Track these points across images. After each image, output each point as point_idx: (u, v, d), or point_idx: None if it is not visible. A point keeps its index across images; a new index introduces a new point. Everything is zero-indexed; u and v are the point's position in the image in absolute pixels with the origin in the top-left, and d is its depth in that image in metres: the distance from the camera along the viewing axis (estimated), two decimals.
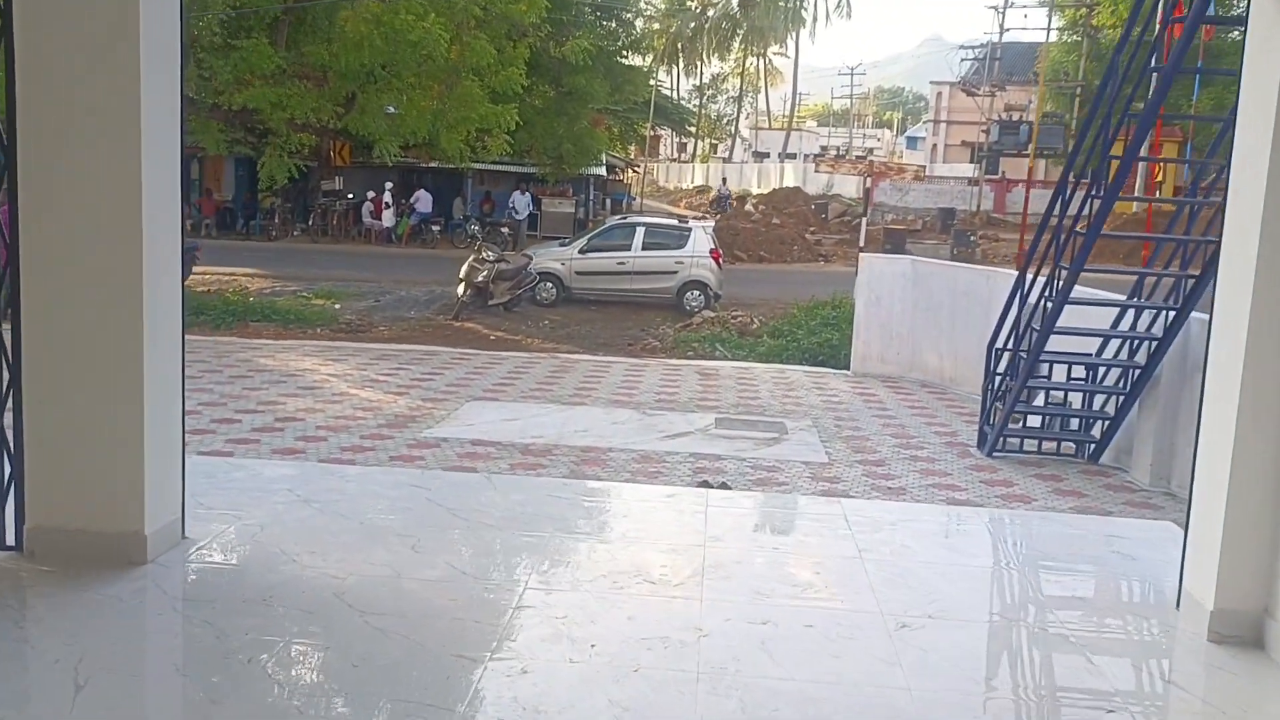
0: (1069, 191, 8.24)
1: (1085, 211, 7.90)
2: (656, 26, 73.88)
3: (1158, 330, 8.06)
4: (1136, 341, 8.30)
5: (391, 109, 18.19)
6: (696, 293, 20.36)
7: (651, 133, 60.49)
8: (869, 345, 13.37)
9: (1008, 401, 8.66)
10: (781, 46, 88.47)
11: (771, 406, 10.96)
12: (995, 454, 8.99)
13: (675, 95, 77.51)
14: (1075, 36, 43.49)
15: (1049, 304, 8.00)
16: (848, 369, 13.64)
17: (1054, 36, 46.33)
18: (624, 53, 36.18)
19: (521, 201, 31.87)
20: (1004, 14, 40.93)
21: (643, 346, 16.57)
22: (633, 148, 59.90)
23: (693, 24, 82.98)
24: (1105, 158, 7.52)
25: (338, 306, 18.96)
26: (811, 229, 38.22)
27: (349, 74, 15.93)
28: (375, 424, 9.27)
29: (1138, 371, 8.17)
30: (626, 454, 8.53)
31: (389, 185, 31.57)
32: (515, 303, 19.22)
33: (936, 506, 7.02)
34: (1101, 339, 8.63)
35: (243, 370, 11.63)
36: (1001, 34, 42.22)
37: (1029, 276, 8.62)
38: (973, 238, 29.57)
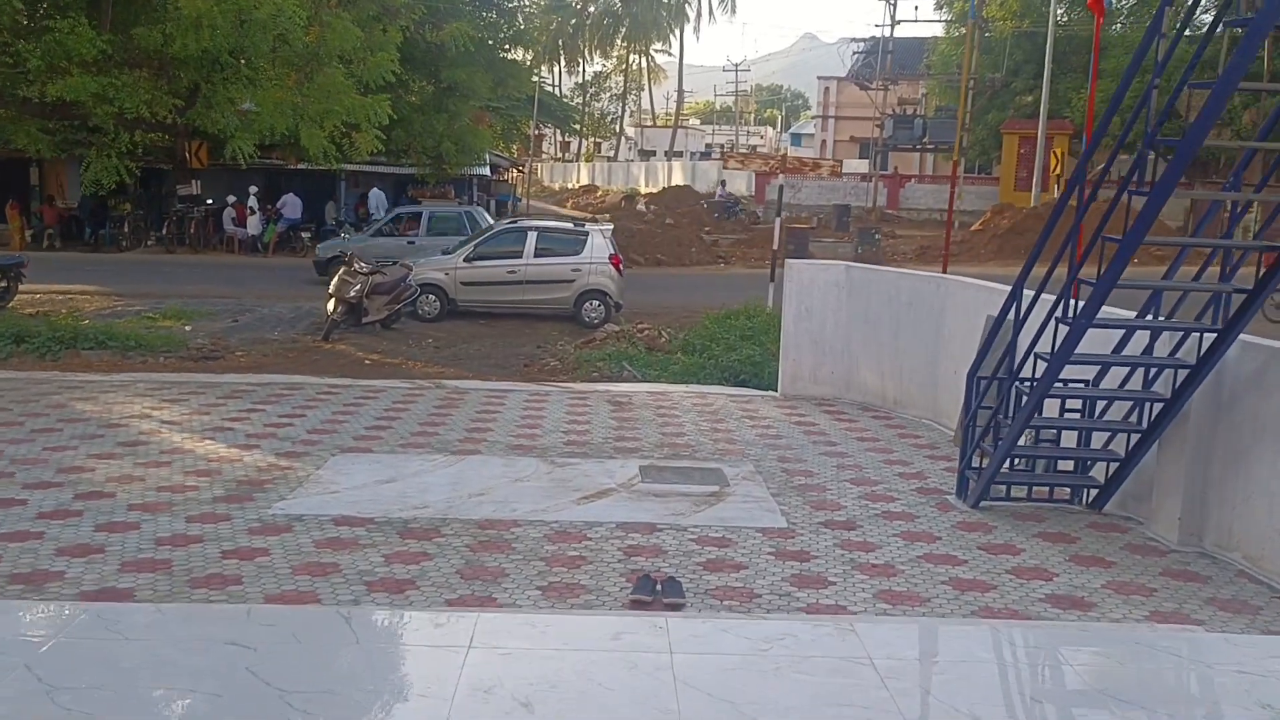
0: (1082, 191, 6.70)
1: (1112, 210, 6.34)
2: (537, 23, 71.84)
3: (1187, 354, 6.58)
4: (1153, 370, 6.82)
5: (250, 105, 16.02)
6: (596, 303, 18.58)
7: (536, 131, 58.46)
8: (799, 364, 11.79)
9: (1002, 444, 7.10)
10: (665, 44, 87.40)
11: (701, 446, 9.25)
12: (981, 505, 7.45)
13: (558, 92, 75.53)
14: (963, 29, 43.10)
15: (1062, 324, 6.43)
16: (775, 390, 12.04)
17: (941, 30, 46.02)
18: (506, 46, 34.10)
19: (377, 199, 29.37)
20: (895, 6, 40.19)
21: (540, 367, 14.70)
22: (516, 146, 57.83)
23: (574, 20, 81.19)
24: (1150, 140, 5.92)
25: (188, 328, 16.59)
26: (707, 229, 36.80)
27: (189, 61, 13.69)
28: (211, 496, 7.24)
29: (1159, 405, 6.68)
30: (537, 530, 6.70)
31: (254, 189, 28.95)
32: (393, 319, 17.14)
33: (974, 626, 5.30)
34: (1099, 366, 7.12)
35: (51, 420, 9.40)
36: (893, 27, 41.53)
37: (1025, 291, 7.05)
38: (877, 236, 28.48)
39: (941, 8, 44.38)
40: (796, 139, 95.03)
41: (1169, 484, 6.78)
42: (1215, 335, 6.21)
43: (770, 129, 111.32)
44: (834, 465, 8.64)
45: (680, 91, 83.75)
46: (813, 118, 77.11)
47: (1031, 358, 6.88)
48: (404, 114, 25.70)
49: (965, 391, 7.69)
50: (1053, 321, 6.55)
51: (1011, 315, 7.15)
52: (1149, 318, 6.94)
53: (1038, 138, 35.17)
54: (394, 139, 24.75)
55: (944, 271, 16.80)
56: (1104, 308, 6.90)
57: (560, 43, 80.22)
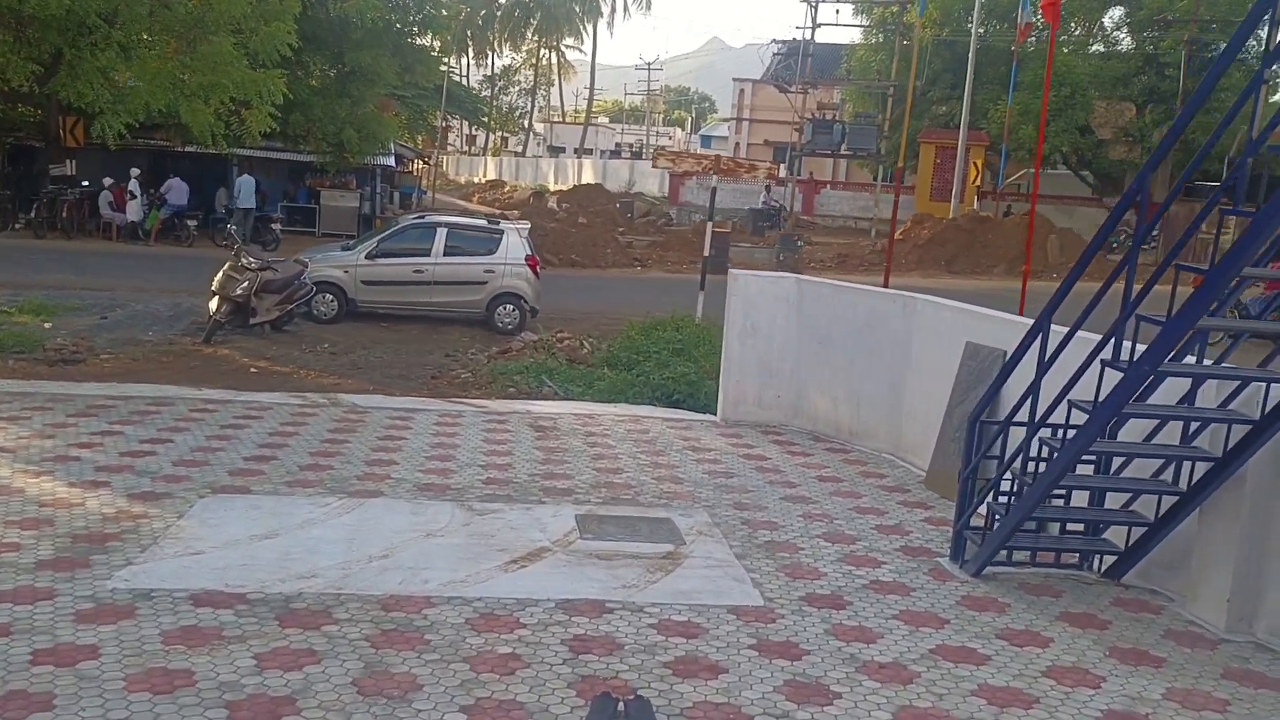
0: (1136, 204, 5.56)
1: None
2: (447, 11, 69.76)
3: (1245, 406, 5.51)
4: (1197, 425, 5.75)
5: (132, 81, 14.13)
6: (511, 307, 17.14)
7: (444, 122, 56.47)
8: (742, 386, 10.58)
9: (1017, 506, 5.96)
10: (577, 39, 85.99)
11: (644, 485, 7.96)
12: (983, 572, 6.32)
13: (467, 83, 73.48)
14: (882, 36, 42.66)
15: (1112, 369, 5.28)
16: (714, 414, 10.82)
17: (859, 36, 45.56)
18: (415, 31, 32.34)
19: (246, 186, 26.52)
20: (815, 8, 39.48)
21: (450, 380, 13.23)
22: (422, 137, 55.78)
23: (484, 11, 79.16)
24: (1254, 147, 4.77)
25: (48, 325, 14.65)
26: (620, 229, 35.53)
27: (50, 22, 11.87)
28: (34, 560, 5.68)
29: (1201, 464, 5.61)
30: (457, 612, 5.32)
31: (135, 172, 26.64)
32: (285, 321, 15.44)
33: None
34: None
35: None
36: (814, 30, 40.83)
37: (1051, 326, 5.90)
38: (800, 243, 27.57)
39: (860, 14, 43.86)
40: (706, 140, 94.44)
41: (1215, 558, 5.71)
42: None
43: (679, 130, 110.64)
44: (800, 515, 7.43)
45: (592, 88, 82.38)
46: (725, 120, 76.44)
47: (1063, 404, 5.73)
48: (303, 97, 23.89)
49: (966, 437, 6.53)
50: (1096, 364, 5.40)
51: (1032, 349, 5.98)
52: (1192, 360, 5.85)
53: (956, 148, 34.76)
54: (292, 123, 22.95)
55: (885, 284, 15.85)
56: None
57: (469, 33, 78.13)
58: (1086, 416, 5.51)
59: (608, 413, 10.78)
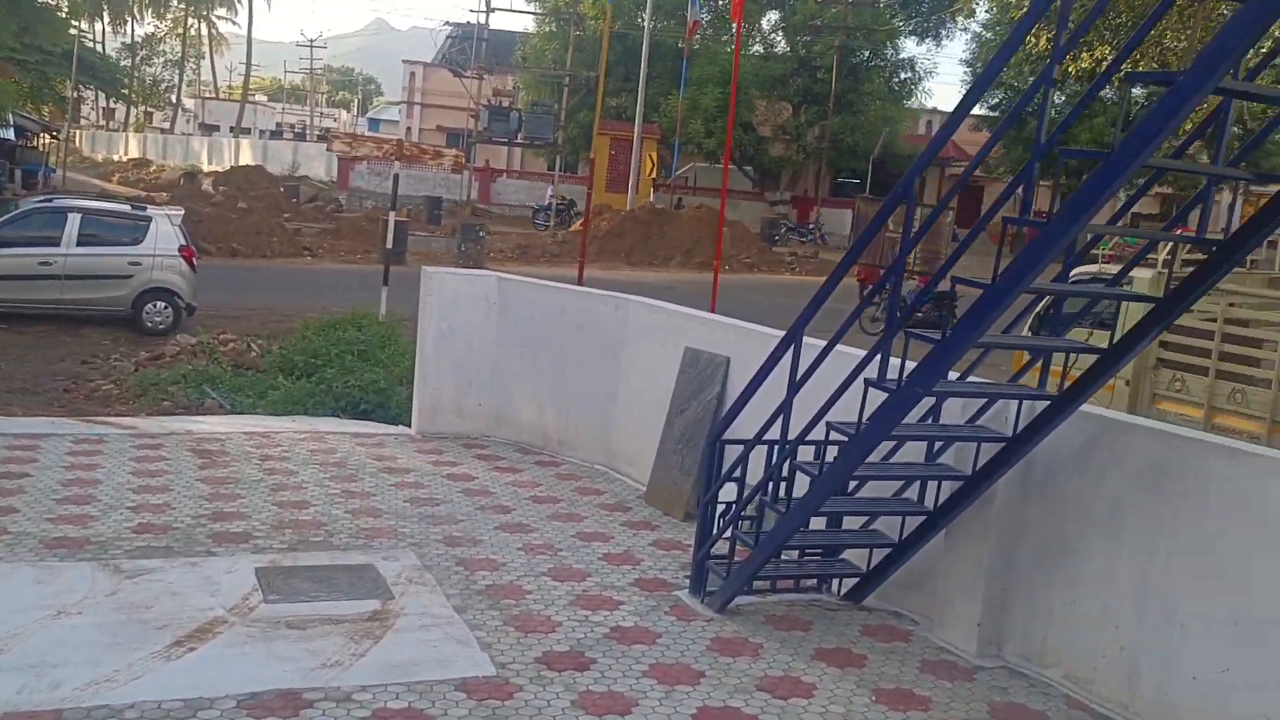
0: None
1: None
2: None
3: (994, 421, 5.27)
4: (940, 443, 5.48)
5: None
6: (162, 304, 15.13)
7: (75, 93, 50.54)
8: (440, 393, 9.61)
9: (769, 537, 5.45)
10: (230, 10, 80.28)
11: (337, 522, 6.85)
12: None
13: (103, 50, 66.40)
14: (555, 25, 42.51)
15: (876, 389, 4.82)
16: (409, 425, 9.79)
17: (533, 24, 45.22)
18: None
19: None
20: None
21: (89, 393, 11.30)
22: (49, 108, 49.69)
23: None
24: (1042, 150, 4.35)
25: None
26: (286, 215, 33.09)
27: None
28: None
29: (957, 485, 5.34)
30: None
31: None
32: None
33: None
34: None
35: None
36: (488, 14, 39.91)
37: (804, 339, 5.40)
38: (482, 233, 26.66)
39: (534, 1, 43.51)
40: (375, 124, 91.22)
41: (963, 581, 5.47)
42: (1049, 404, 4.91)
43: (345, 112, 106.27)
44: (520, 548, 6.61)
45: (249, 64, 77.08)
46: (395, 103, 73.90)
47: (822, 429, 5.25)
48: None
49: (705, 459, 5.97)
50: (860, 384, 4.95)
51: (783, 366, 5.48)
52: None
53: (632, 140, 35.13)
54: None
55: (580, 280, 15.33)
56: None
57: None
58: (842, 437, 5.07)
59: (286, 429, 9.46)
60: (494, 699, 4.59)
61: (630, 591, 6.02)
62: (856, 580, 6.03)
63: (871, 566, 5.93)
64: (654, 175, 35.65)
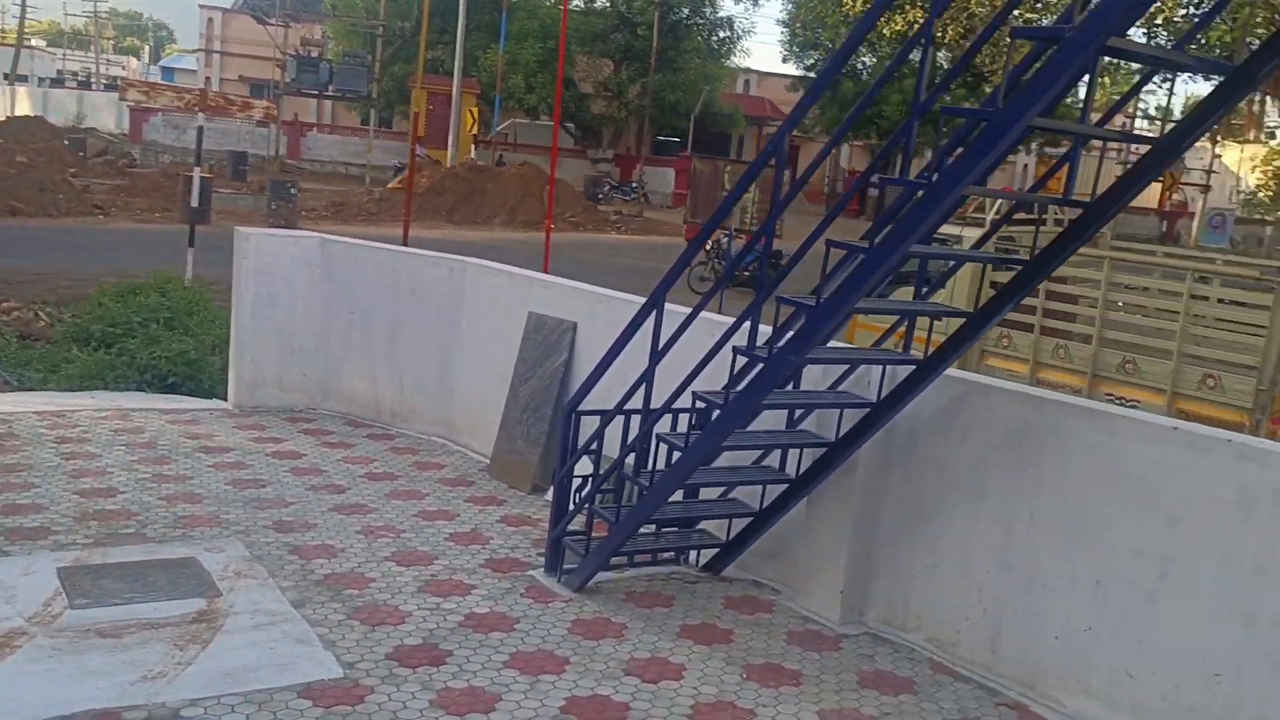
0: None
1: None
2: None
3: (857, 386, 5.17)
4: (800, 410, 5.35)
5: None
6: None
7: None
8: (260, 365, 8.94)
9: (638, 511, 5.21)
10: None
11: (150, 511, 6.23)
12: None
13: None
14: None
15: (748, 357, 4.62)
16: (225, 400, 9.11)
17: None
18: None
19: None
20: None
21: None
22: None
23: None
24: (921, 109, 4.13)
25: None
26: (73, 170, 30.60)
27: None
28: None
29: (821, 451, 5.22)
30: None
31: None
32: None
33: None
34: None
35: None
36: None
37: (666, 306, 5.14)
38: (293, 190, 25.29)
39: None
40: (169, 73, 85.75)
41: (826, 549, 5.38)
42: (914, 368, 4.82)
43: (134, 59, 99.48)
44: (359, 531, 6.17)
45: (24, 5, 70.84)
46: (190, 51, 69.55)
47: (690, 399, 5.02)
48: None
49: (561, 430, 5.66)
50: (729, 352, 4.73)
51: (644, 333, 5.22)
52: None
53: (450, 95, 34.07)
54: None
55: (405, 240, 14.66)
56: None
57: None
58: (708, 407, 4.87)
59: (84, 407, 8.61)
60: (343, 704, 4.20)
61: (482, 574, 5.68)
62: (716, 551, 5.88)
63: (731, 537, 5.79)
64: (474, 131, 34.72)
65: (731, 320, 4.88)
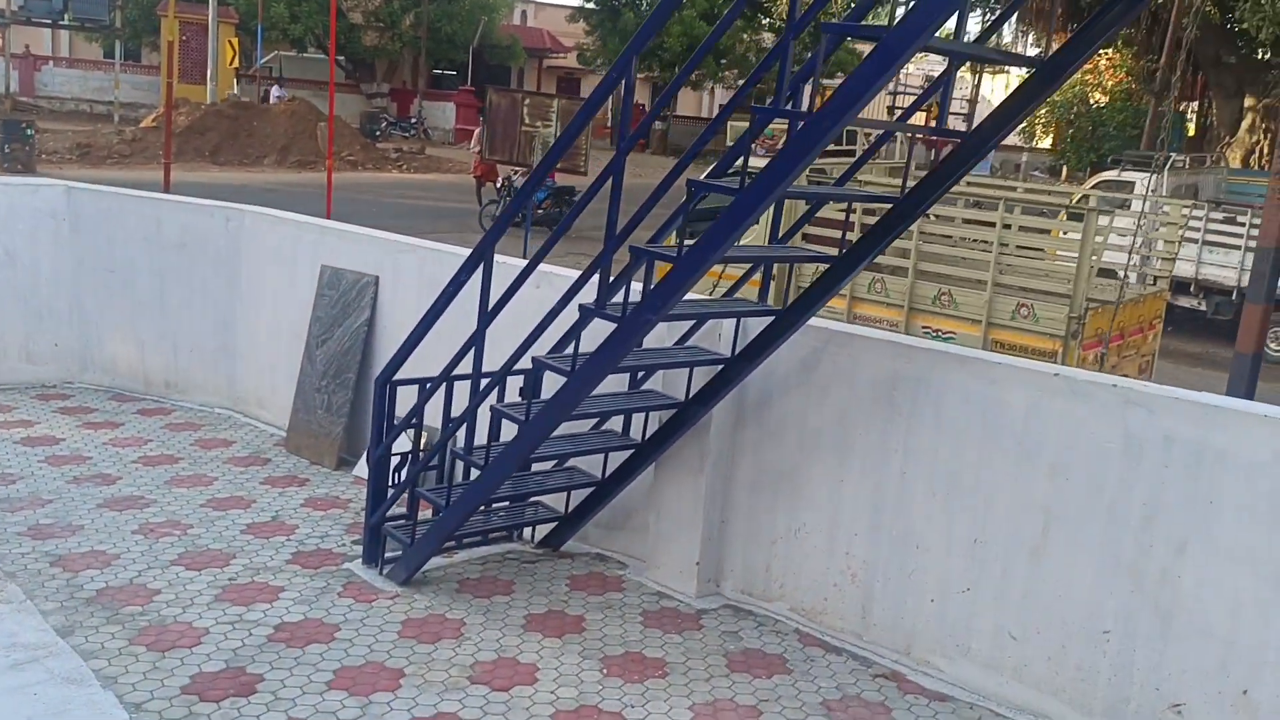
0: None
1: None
2: None
3: (706, 341, 4.70)
4: (642, 372, 4.85)
5: None
6: None
7: None
8: (1, 335, 7.73)
9: (474, 492, 4.59)
10: None
11: None
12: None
13: None
14: None
15: (599, 317, 4.05)
16: None
17: None
18: None
19: None
20: None
21: None
22: None
23: None
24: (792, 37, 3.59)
25: None
26: None
27: None
28: None
29: (669, 414, 4.75)
30: None
31: None
32: None
33: None
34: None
35: None
36: None
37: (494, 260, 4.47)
38: (29, 130, 22.56)
39: None
40: None
41: (679, 518, 4.92)
42: (772, 318, 4.38)
43: None
44: (134, 530, 5.29)
45: None
46: None
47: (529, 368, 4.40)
48: None
49: (375, 402, 4.94)
50: (576, 311, 4.13)
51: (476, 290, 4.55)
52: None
53: (206, 24, 31.35)
54: None
55: (166, 186, 13.19)
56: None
57: None
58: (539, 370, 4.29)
59: None
60: None
61: (290, 572, 4.94)
62: (554, 525, 5.34)
63: (571, 510, 5.26)
64: (235, 65, 32.11)
65: (570, 272, 4.31)
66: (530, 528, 5.47)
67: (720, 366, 4.57)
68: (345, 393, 6.47)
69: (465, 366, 4.62)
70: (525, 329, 4.39)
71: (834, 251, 4.31)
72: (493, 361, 4.53)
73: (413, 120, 37.41)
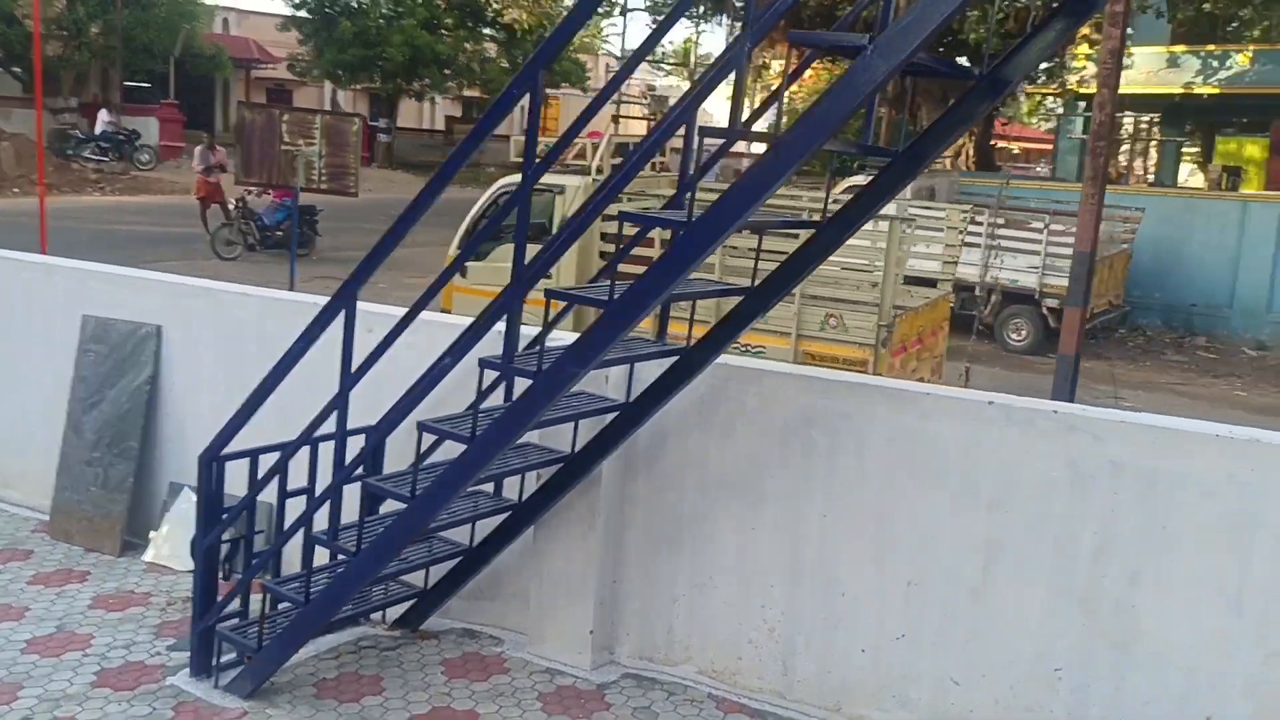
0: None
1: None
2: None
3: (597, 386, 4.20)
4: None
5: None
6: None
7: None
8: None
9: (340, 585, 3.86)
10: None
11: None
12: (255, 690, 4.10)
13: None
14: None
15: (510, 372, 3.44)
16: None
17: None
18: None
19: None
20: None
21: None
22: None
23: None
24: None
25: None
26: None
27: None
28: None
29: (556, 469, 4.21)
30: None
31: None
32: None
33: None
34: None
35: None
36: None
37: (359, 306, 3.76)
38: None
39: None
40: None
41: (567, 585, 4.38)
42: (676, 359, 3.93)
43: None
44: None
45: None
46: None
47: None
48: None
49: (202, 483, 4.09)
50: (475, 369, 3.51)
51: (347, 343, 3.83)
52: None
53: None
54: None
55: None
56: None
57: None
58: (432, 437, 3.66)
59: None
60: None
61: (99, 699, 4.02)
62: (412, 602, 4.67)
63: (432, 584, 4.61)
64: None
65: (395, 310, 3.69)
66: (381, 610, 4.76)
67: (614, 413, 4.08)
68: (127, 464, 5.47)
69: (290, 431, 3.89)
70: (378, 384, 3.74)
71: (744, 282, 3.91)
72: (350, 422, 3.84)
73: (120, 136, 34.01)
